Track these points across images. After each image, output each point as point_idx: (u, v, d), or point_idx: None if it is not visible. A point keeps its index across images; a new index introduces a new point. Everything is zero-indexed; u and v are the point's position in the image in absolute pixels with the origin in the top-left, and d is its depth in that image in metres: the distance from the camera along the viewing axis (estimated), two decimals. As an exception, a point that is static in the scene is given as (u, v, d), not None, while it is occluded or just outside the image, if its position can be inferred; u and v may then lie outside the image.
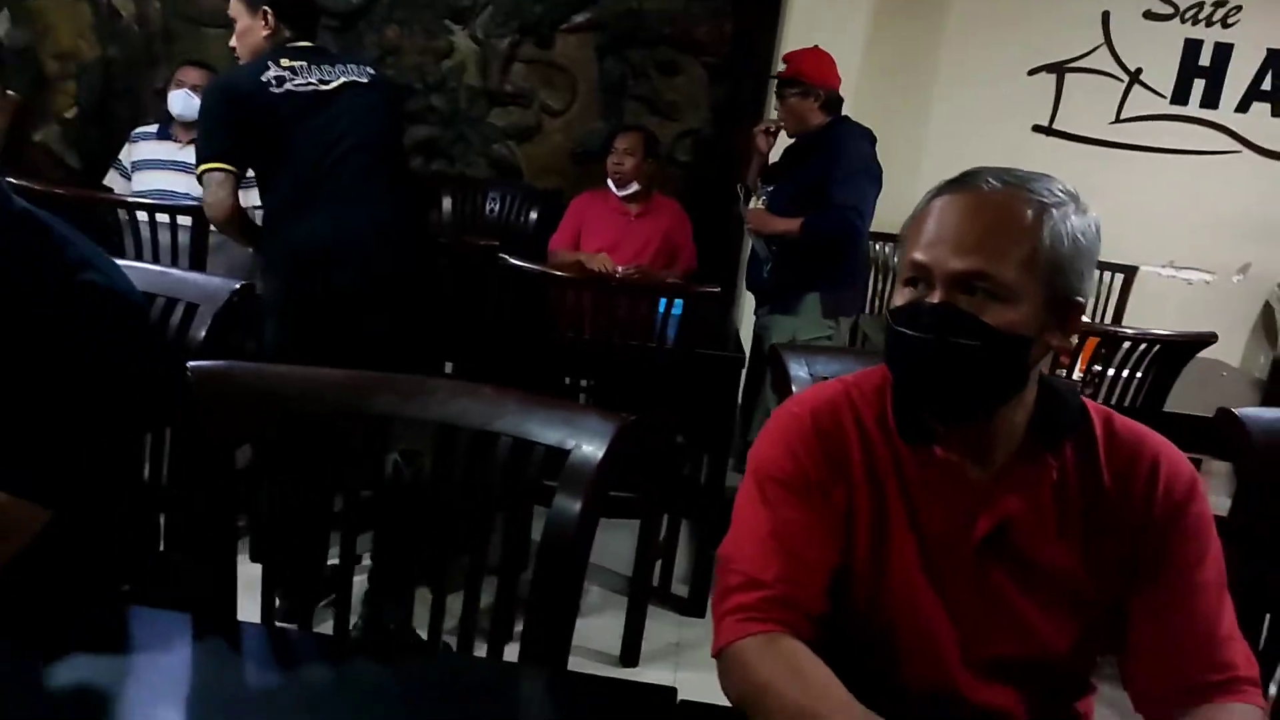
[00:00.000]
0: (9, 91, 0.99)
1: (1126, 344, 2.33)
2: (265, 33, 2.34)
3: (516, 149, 4.16)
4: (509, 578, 1.02)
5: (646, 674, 2.28)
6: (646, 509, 2.29)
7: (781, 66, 2.91)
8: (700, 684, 0.90)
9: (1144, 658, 0.94)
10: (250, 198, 3.38)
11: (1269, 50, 3.74)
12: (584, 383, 2.46)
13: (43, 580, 0.95)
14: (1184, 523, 0.95)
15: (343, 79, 2.32)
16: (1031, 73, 3.84)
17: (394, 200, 2.37)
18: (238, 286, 1.40)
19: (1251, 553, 1.13)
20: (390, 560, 1.07)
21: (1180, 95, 3.80)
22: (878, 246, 3.64)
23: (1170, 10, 3.74)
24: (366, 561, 1.30)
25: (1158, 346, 2.29)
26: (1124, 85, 3.81)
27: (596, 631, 2.42)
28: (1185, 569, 0.94)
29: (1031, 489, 0.96)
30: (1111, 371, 2.37)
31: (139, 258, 2.45)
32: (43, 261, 1.02)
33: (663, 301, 2.39)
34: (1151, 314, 3.59)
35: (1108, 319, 3.73)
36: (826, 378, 1.32)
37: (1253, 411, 1.20)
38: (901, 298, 0.95)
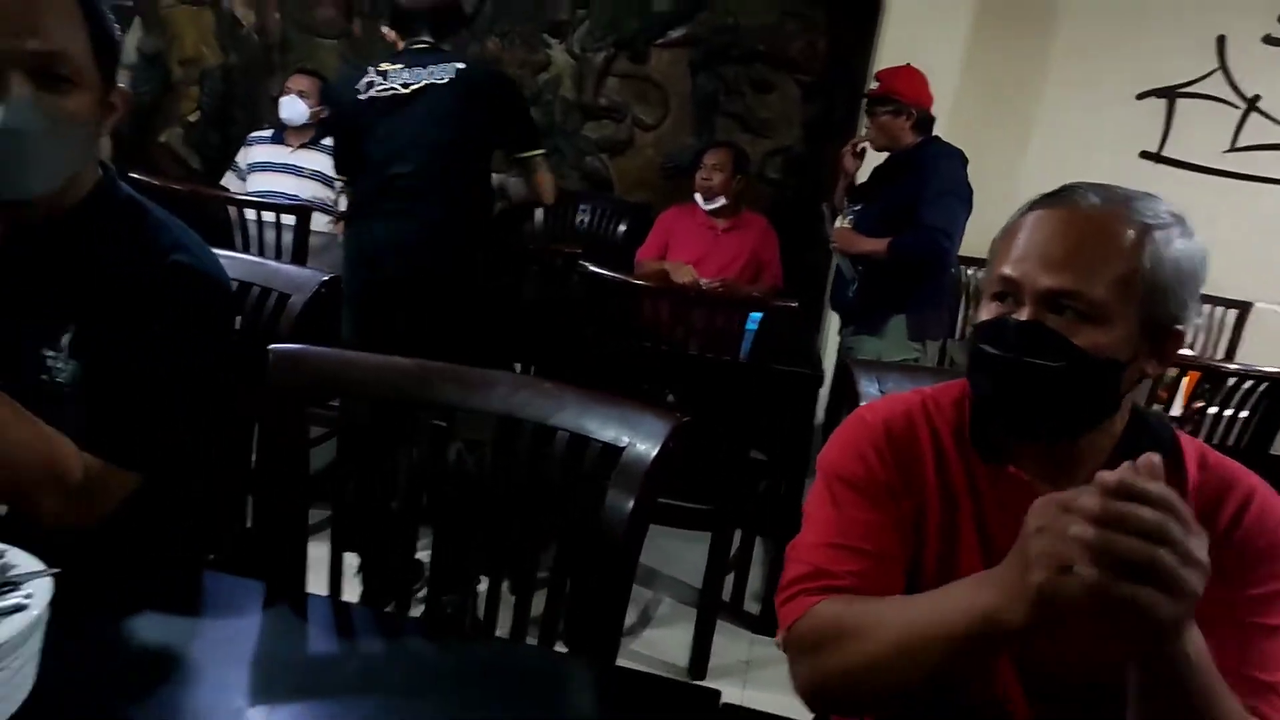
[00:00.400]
0: (120, 85, 1.07)
1: (1231, 380, 2.22)
2: (395, 41, 2.54)
3: (609, 162, 4.23)
4: (563, 571, 1.04)
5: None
6: (717, 521, 2.28)
7: (874, 84, 2.89)
8: (768, 703, 0.89)
9: None
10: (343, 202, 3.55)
11: (1396, 77, 3.52)
12: (670, 396, 2.48)
13: (132, 543, 1.02)
14: (1267, 558, 0.90)
15: (424, 81, 2.42)
16: (1140, 97, 3.69)
17: (448, 201, 2.46)
18: (325, 278, 1.47)
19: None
20: (449, 547, 1.10)
21: (1302, 124, 3.61)
22: (968, 271, 3.56)
23: (1292, 35, 3.56)
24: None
25: (1265, 384, 2.17)
26: (1240, 112, 3.63)
27: (666, 642, 2.43)
28: (1253, 604, 0.89)
29: None
30: (1214, 409, 2.26)
31: (246, 253, 2.61)
32: (139, 242, 1.09)
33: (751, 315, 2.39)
34: (1267, 352, 3.39)
35: (1219, 355, 3.56)
36: (897, 394, 1.31)
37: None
38: (988, 313, 0.93)
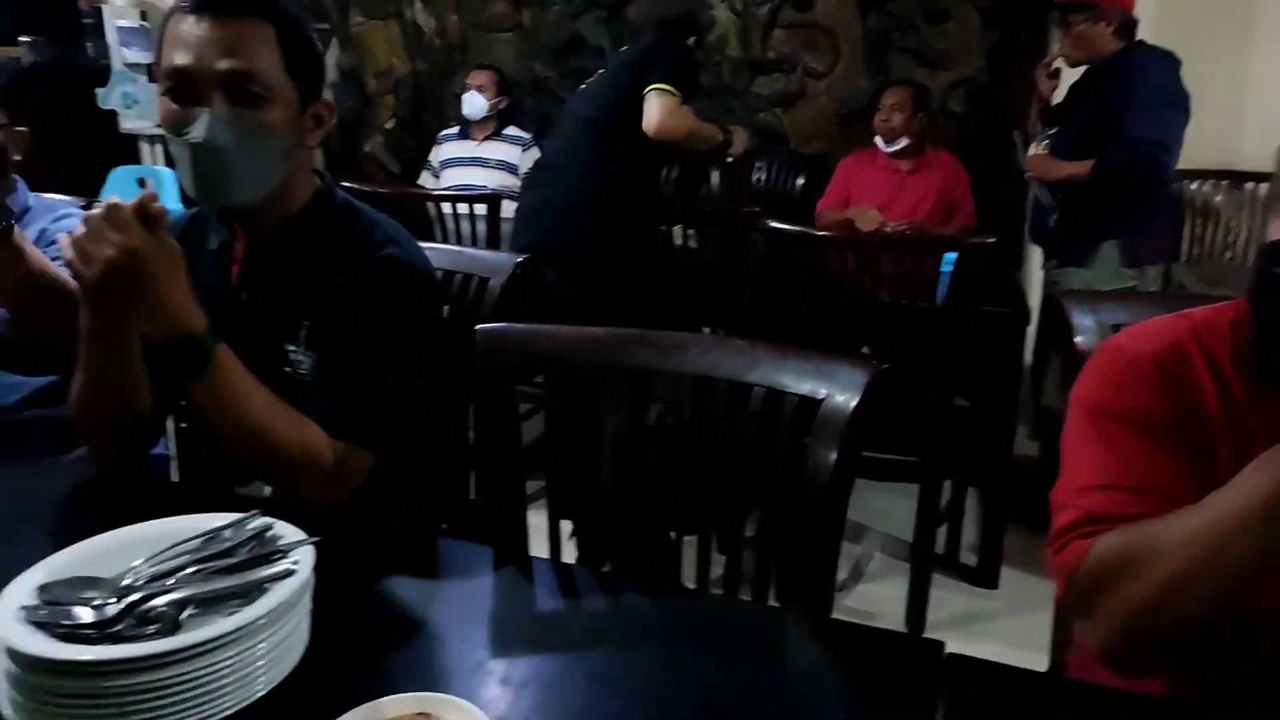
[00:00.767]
0: (327, 99, 1.18)
1: None
2: None
3: (782, 116, 4.15)
4: (770, 526, 1.05)
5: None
6: (925, 472, 2.21)
7: (1064, -6, 2.65)
8: (992, 656, 0.85)
9: None
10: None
11: None
12: (865, 349, 2.42)
13: (374, 518, 1.12)
14: None
15: (602, 70, 2.61)
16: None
17: (587, 173, 2.56)
18: (519, 260, 1.54)
19: None
20: (656, 508, 1.14)
21: None
22: (1191, 186, 3.21)
23: None
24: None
25: None
26: None
27: (879, 597, 2.39)
28: None
29: None
30: None
31: (445, 243, 2.80)
32: (355, 241, 1.20)
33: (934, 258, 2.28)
34: None
35: None
36: (1117, 327, 1.21)
37: None
38: (1278, 231, 0.83)
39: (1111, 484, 0.85)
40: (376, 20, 4.55)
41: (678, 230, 3.09)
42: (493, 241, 2.78)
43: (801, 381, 1.00)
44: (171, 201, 2.81)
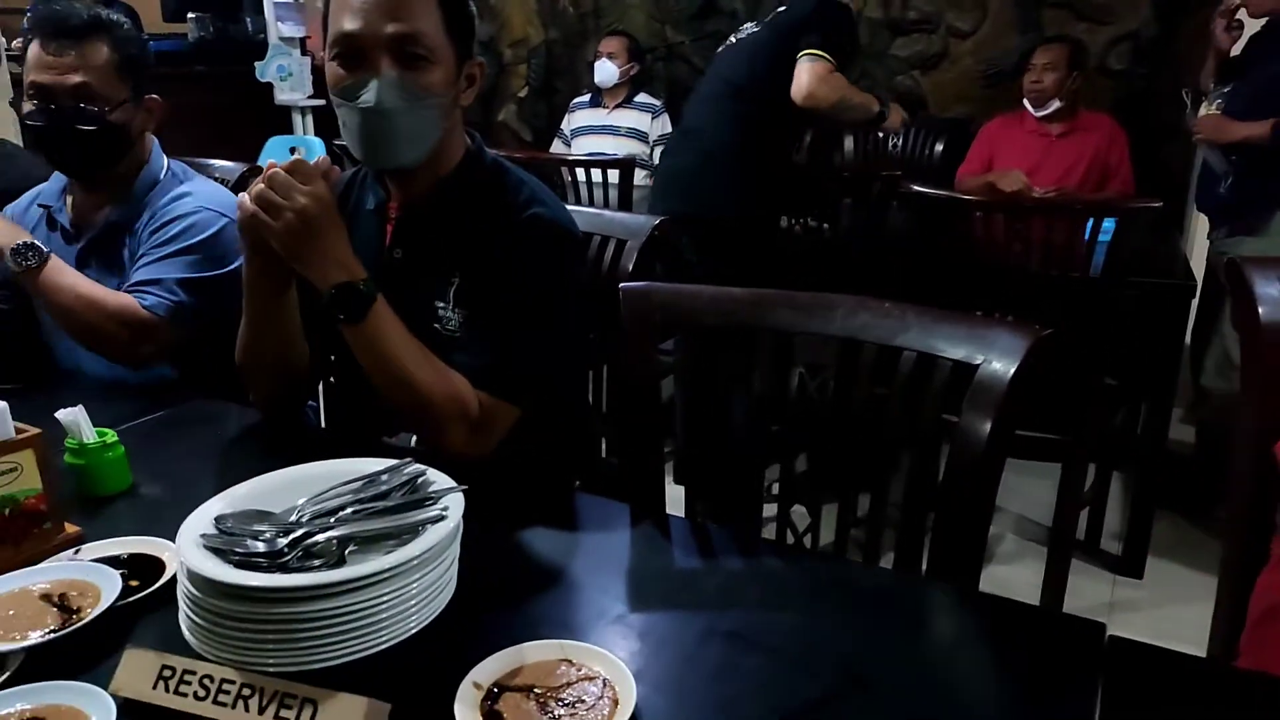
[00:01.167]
0: (478, 58, 1.20)
1: None
2: None
3: (921, 79, 3.98)
4: (916, 497, 1.02)
5: (1070, 631, 2.13)
6: (1069, 452, 2.09)
7: (1251, -66, 2.42)
8: None
9: None
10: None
11: None
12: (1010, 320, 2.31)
13: (517, 471, 1.14)
14: None
15: (748, 33, 2.52)
16: None
17: (728, 138, 2.48)
18: (656, 222, 1.54)
19: None
20: (798, 471, 1.12)
21: None
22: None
23: None
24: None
25: None
26: None
27: (1013, 580, 2.30)
28: None
29: None
30: None
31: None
32: (503, 200, 1.22)
33: (1090, 224, 2.13)
34: None
35: None
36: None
37: None
38: None
39: None
40: (514, -11, 4.62)
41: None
42: (624, 208, 2.78)
43: (956, 346, 0.96)
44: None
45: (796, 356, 1.08)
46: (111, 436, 1.08)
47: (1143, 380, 2.22)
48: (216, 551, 0.76)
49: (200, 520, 0.80)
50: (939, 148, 3.72)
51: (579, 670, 0.74)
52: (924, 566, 1.03)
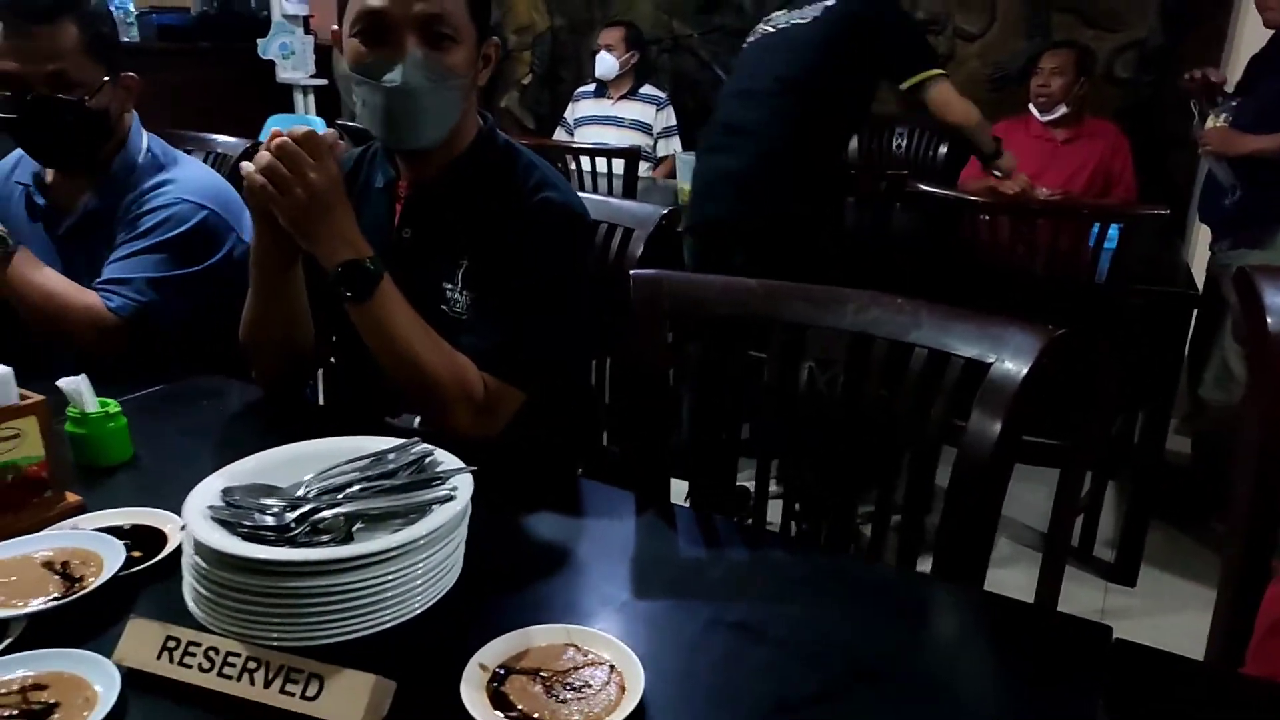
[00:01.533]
0: (493, 38, 1.19)
1: None
2: None
3: (927, 80, 3.97)
4: (920, 494, 1.01)
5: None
6: (1068, 458, 2.10)
7: (1261, -52, 2.42)
8: None
9: None
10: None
11: None
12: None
13: (521, 455, 1.14)
14: None
15: (790, 22, 2.36)
16: None
17: (785, 136, 2.33)
18: (665, 212, 1.53)
19: None
20: (803, 465, 1.11)
21: None
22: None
23: None
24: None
25: None
26: None
27: (1005, 584, 2.26)
28: None
29: None
30: None
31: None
32: (514, 182, 1.21)
33: (1095, 229, 2.13)
34: None
35: None
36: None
37: None
38: None
39: None
40: (523, -25, 4.59)
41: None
42: (628, 197, 2.77)
43: (968, 344, 0.96)
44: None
45: (807, 350, 1.07)
46: (114, 407, 1.07)
47: (1142, 389, 2.23)
48: (224, 523, 0.75)
49: (207, 492, 0.80)
50: (943, 149, 3.72)
51: (585, 655, 0.74)
52: (929, 565, 1.03)
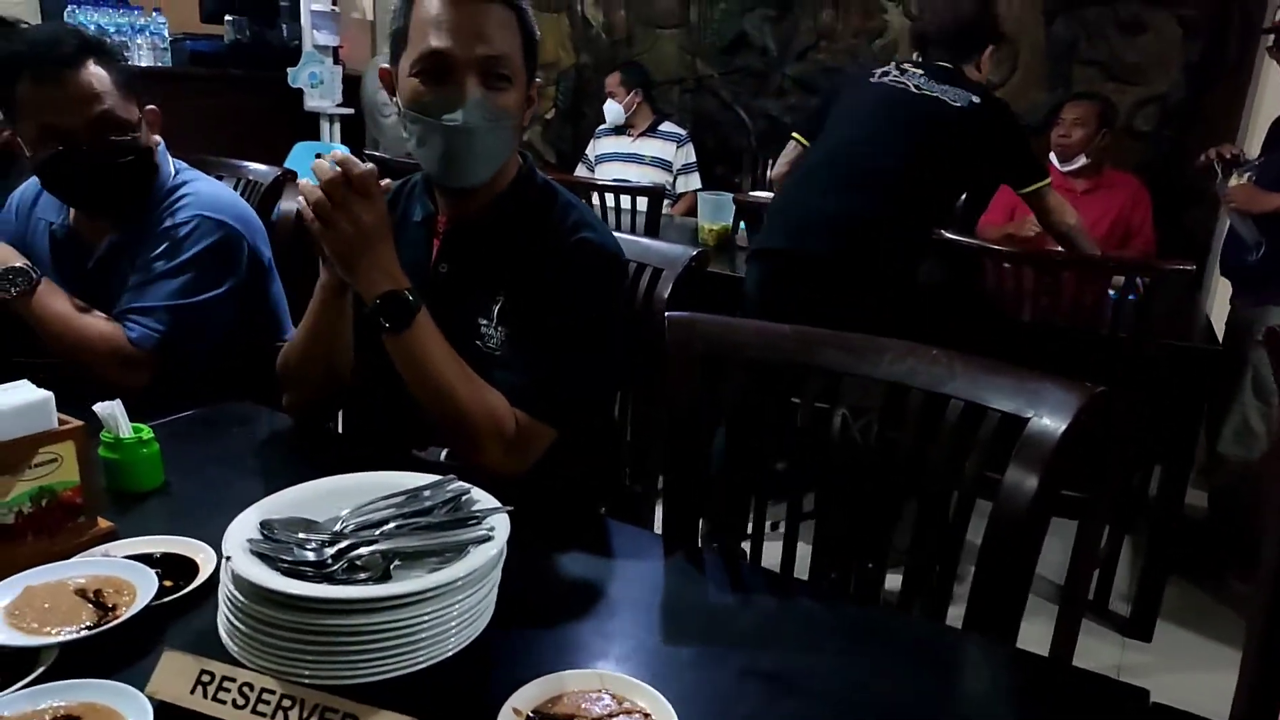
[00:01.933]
0: (538, 80, 1.20)
1: None
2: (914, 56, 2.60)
3: (948, 127, 4.00)
4: (953, 546, 1.01)
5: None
6: (1087, 510, 2.08)
7: (1284, 12, 2.45)
8: None
9: None
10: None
11: None
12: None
13: (548, 492, 1.14)
14: None
15: (937, 94, 2.36)
16: None
17: (912, 195, 2.32)
18: (695, 253, 1.54)
19: None
20: (834, 512, 1.11)
21: None
22: None
23: None
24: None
25: None
26: None
27: (1022, 637, 2.24)
28: None
29: None
30: None
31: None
32: (552, 221, 1.22)
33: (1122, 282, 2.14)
34: None
35: None
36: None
37: None
38: None
39: None
40: (549, 13, 4.66)
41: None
42: (651, 234, 2.79)
43: (1005, 399, 0.96)
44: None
45: (840, 397, 1.07)
46: (147, 433, 1.07)
47: (1161, 442, 2.21)
48: (263, 557, 0.75)
49: (246, 525, 0.79)
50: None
51: (620, 703, 0.73)
52: (957, 615, 1.02)
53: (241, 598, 0.73)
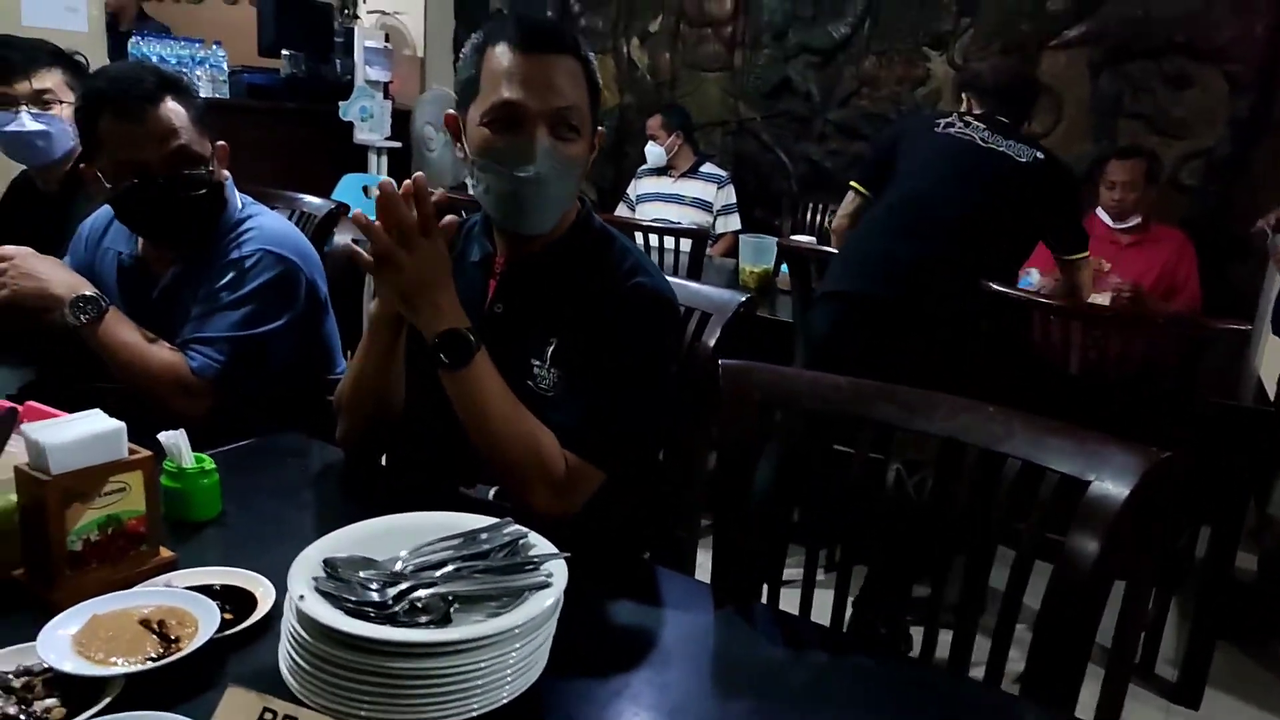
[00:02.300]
0: (600, 128, 1.23)
1: None
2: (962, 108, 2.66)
3: (990, 176, 4.00)
4: (1011, 607, 0.99)
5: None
6: (1137, 570, 2.03)
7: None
8: None
9: None
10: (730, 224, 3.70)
11: None
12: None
13: (594, 535, 1.14)
14: None
15: (1003, 148, 2.40)
16: None
17: (982, 242, 2.35)
18: (743, 300, 1.54)
19: None
20: (887, 567, 1.10)
21: None
22: None
23: None
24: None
25: None
26: None
27: None
28: None
29: None
30: None
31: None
32: (608, 266, 1.24)
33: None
34: None
35: None
36: None
37: None
38: None
39: None
40: (596, 55, 4.73)
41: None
42: (693, 276, 2.80)
43: (1064, 460, 0.95)
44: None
45: (895, 451, 1.06)
46: (209, 463, 1.09)
47: (1210, 502, 2.17)
48: (327, 596, 0.76)
49: (310, 562, 0.80)
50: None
51: (676, 758, 0.73)
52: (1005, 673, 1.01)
53: (306, 636, 0.74)
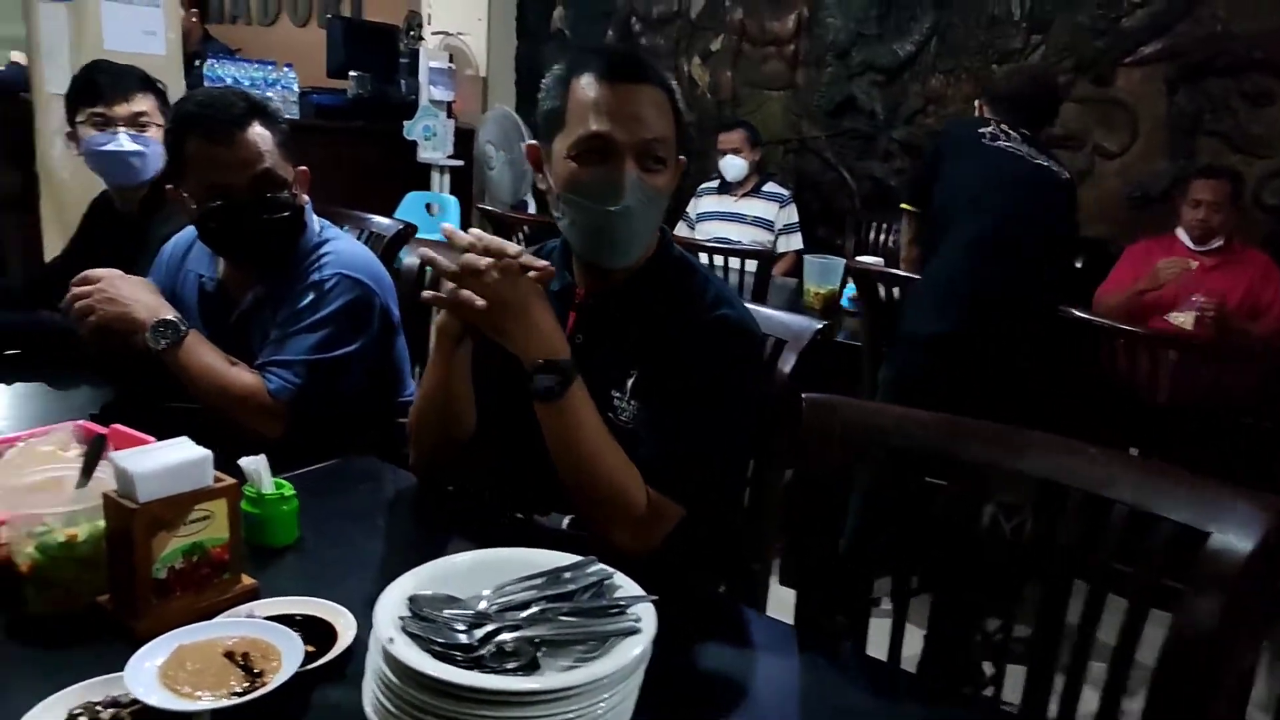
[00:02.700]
0: (681, 157, 1.21)
1: None
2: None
3: (1062, 195, 3.89)
4: (1124, 663, 0.94)
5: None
6: (1258, 630, 1.94)
7: None
8: None
9: None
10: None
11: None
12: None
13: (672, 569, 1.11)
14: None
15: (1040, 161, 2.41)
16: None
17: (1045, 264, 2.37)
18: (819, 327, 1.51)
19: None
20: (981, 610, 1.05)
21: None
22: None
23: None
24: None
25: None
26: None
27: None
28: None
29: None
30: None
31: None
32: (689, 297, 1.21)
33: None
34: None
35: None
36: None
37: None
38: None
39: None
40: (654, 73, 4.74)
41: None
42: (759, 297, 2.76)
43: (1177, 508, 0.89)
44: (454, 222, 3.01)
45: (990, 490, 1.02)
46: (289, 489, 1.09)
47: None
48: (414, 637, 0.74)
49: (395, 601, 0.79)
50: (1076, 265, 3.62)
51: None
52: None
53: (394, 678, 0.72)
